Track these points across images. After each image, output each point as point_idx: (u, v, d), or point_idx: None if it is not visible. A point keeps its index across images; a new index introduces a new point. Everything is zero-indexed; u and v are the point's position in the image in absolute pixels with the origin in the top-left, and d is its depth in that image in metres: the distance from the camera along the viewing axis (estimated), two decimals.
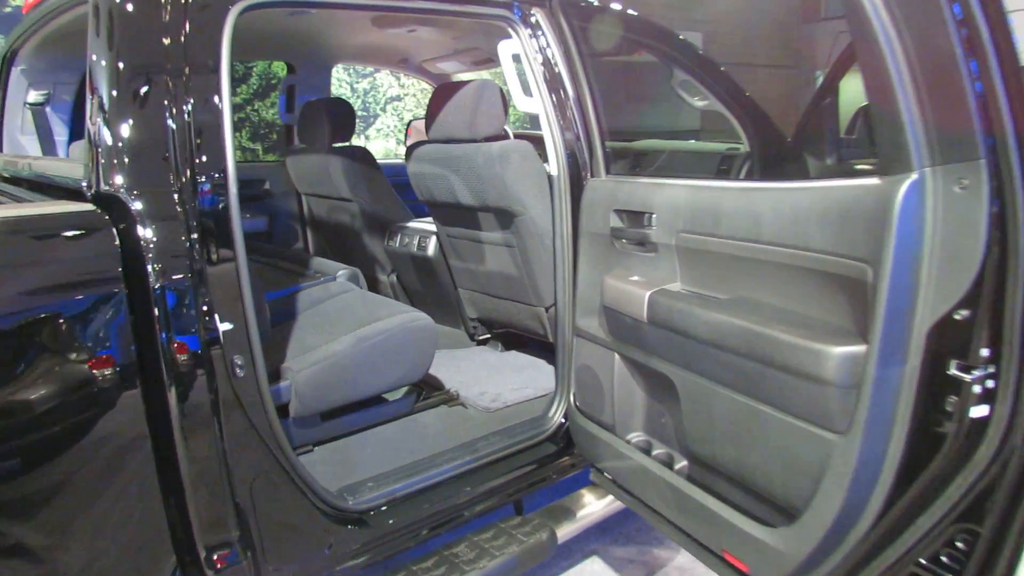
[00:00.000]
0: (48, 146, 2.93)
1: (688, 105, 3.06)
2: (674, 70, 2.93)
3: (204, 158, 1.61)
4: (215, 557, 1.62)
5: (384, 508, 1.99)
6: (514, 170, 2.41)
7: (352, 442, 2.23)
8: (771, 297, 1.60)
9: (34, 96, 2.84)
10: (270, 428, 1.75)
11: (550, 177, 2.28)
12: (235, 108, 9.20)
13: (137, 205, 1.49)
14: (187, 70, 1.60)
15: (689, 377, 1.77)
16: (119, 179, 1.50)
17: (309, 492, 1.84)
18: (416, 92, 11.91)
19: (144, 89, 1.55)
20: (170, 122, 1.56)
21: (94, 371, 1.41)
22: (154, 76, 1.56)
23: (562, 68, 2.23)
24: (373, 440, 2.25)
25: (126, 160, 1.51)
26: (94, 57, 1.56)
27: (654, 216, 1.89)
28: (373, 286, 3.59)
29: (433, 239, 3.01)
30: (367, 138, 12.30)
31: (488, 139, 2.50)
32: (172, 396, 1.50)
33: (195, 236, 1.56)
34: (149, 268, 1.47)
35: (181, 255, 1.53)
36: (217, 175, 1.62)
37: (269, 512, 1.75)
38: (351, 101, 12.33)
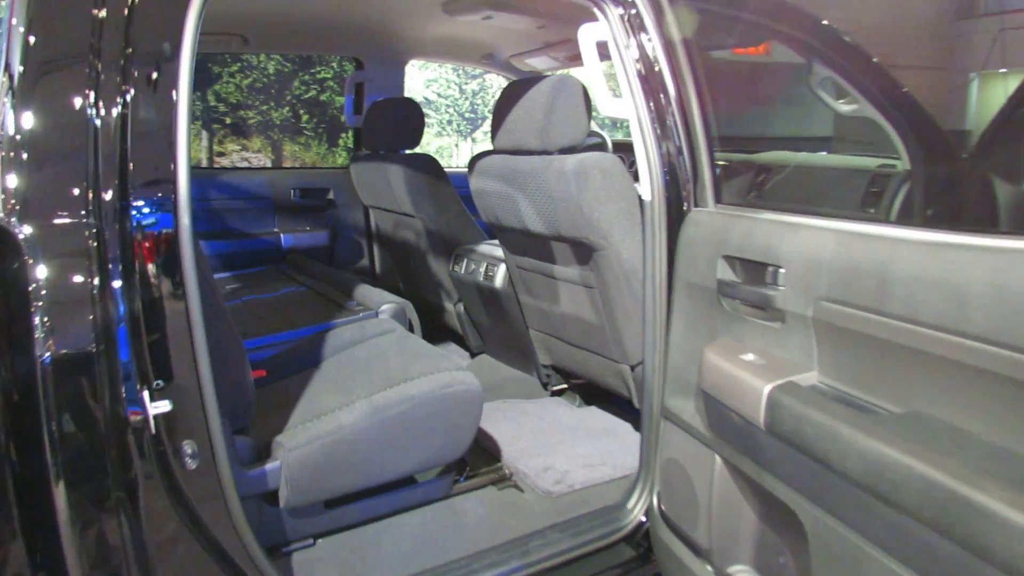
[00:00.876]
0: None
1: (829, 110, 2.41)
2: (814, 65, 2.29)
3: (141, 172, 1.18)
4: None
5: None
6: (593, 191, 1.86)
7: (367, 534, 1.75)
8: (984, 427, 0.98)
9: None
10: (231, 534, 1.30)
11: (642, 202, 1.72)
12: (311, 103, 9.03)
13: (29, 234, 1.07)
14: (128, 53, 1.17)
15: (826, 522, 1.16)
16: (10, 199, 1.08)
17: None
18: None
19: (59, 76, 1.13)
20: (93, 123, 1.13)
21: None
22: (75, 59, 1.14)
23: (662, 62, 1.67)
24: (394, 532, 1.76)
25: (21, 173, 1.09)
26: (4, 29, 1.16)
27: (782, 271, 1.29)
28: (437, 315, 3.13)
29: (502, 268, 2.51)
30: (474, 140, 12.00)
31: (565, 151, 1.97)
32: (59, 495, 1.07)
33: (117, 280, 1.13)
34: (36, 325, 1.05)
35: (87, 307, 1.09)
36: (158, 195, 1.19)
37: None
38: (459, 103, 12.09)
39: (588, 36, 1.72)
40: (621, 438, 2.32)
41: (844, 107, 2.35)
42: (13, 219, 1.07)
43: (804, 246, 1.25)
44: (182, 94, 1.22)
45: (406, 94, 3.34)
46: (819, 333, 1.23)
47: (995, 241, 0.98)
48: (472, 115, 11.50)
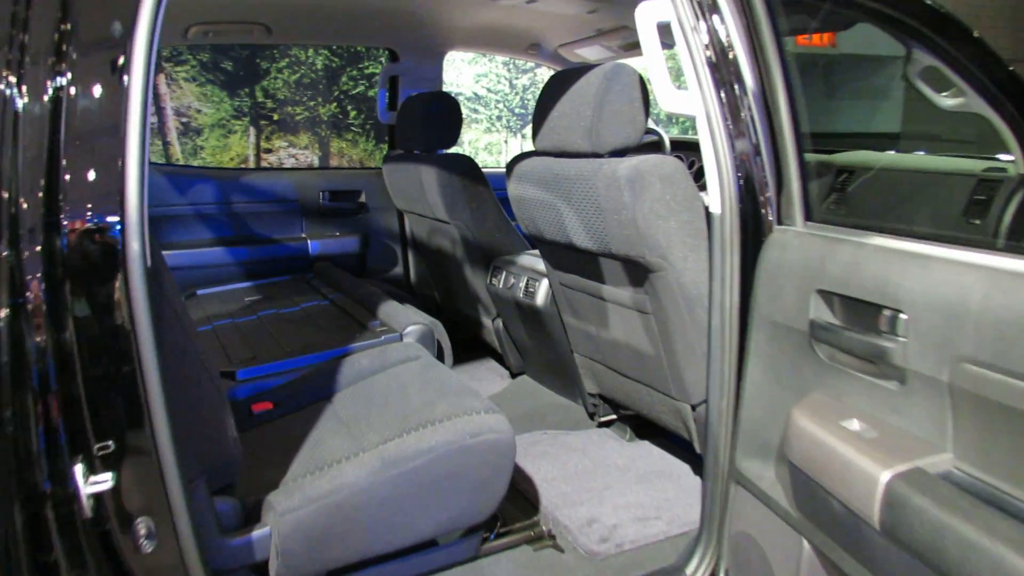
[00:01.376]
0: None
1: (929, 104, 2.06)
2: (913, 52, 1.94)
3: (76, 183, 0.93)
4: None
5: None
6: (651, 202, 1.55)
7: None
8: None
9: None
10: None
11: (710, 215, 1.42)
12: (358, 99, 8.86)
13: None
14: (65, 29, 0.94)
15: None
16: None
17: None
18: None
19: None
20: (11, 117, 0.90)
21: None
22: None
23: (739, 47, 1.36)
24: None
25: None
26: None
27: (904, 318, 0.98)
28: (475, 330, 2.87)
29: (544, 284, 2.22)
30: (524, 137, 11.67)
31: (617, 153, 1.67)
32: None
33: (39, 323, 0.89)
34: None
35: None
36: (99, 212, 0.95)
37: None
38: (510, 99, 11.79)
39: (647, 17, 1.43)
40: (678, 481, 2.01)
41: (947, 100, 2.00)
42: None
43: (938, 287, 0.93)
44: (135, 85, 0.97)
45: (455, 90, 3.08)
46: (958, 404, 0.92)
47: None
48: (523, 111, 11.21)
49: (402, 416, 1.54)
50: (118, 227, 0.96)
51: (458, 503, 1.45)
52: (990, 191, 2.13)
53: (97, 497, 0.94)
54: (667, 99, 1.43)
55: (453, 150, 2.68)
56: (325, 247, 2.96)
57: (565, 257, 1.98)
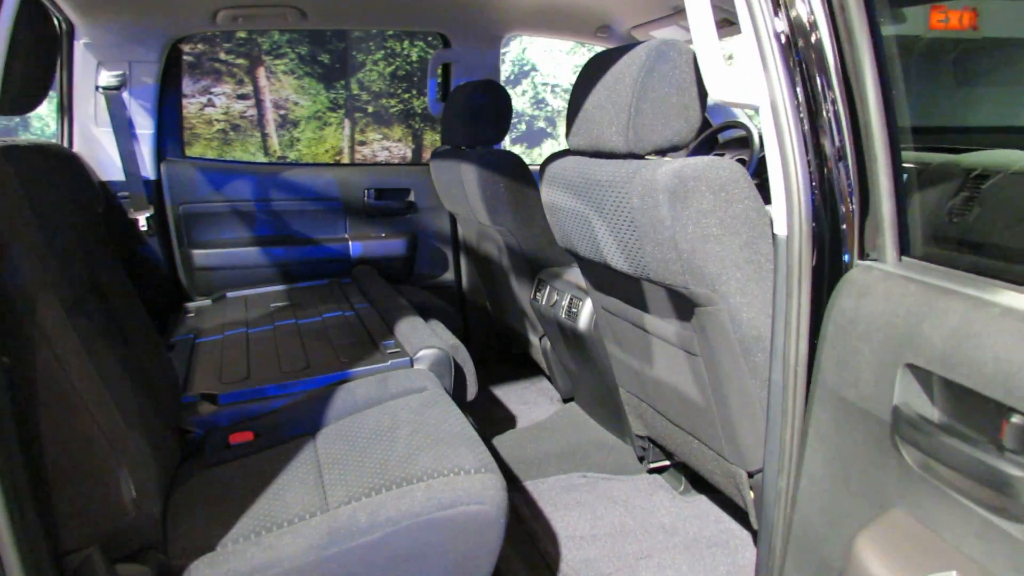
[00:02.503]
0: (126, 141, 2.34)
1: None
2: None
3: None
4: None
5: None
6: (696, 217, 1.21)
7: None
8: None
9: (107, 78, 2.25)
10: None
11: (776, 239, 1.06)
12: (384, 94, 8.71)
13: None
14: None
15: None
16: None
17: None
18: None
19: None
20: None
21: None
22: None
23: (823, 26, 0.99)
24: None
25: None
26: None
27: None
28: (524, 347, 2.57)
29: (588, 305, 1.90)
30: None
31: (663, 152, 1.34)
32: None
33: None
34: None
35: None
36: None
37: None
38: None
39: None
40: (734, 555, 1.65)
41: None
42: None
43: None
44: None
45: (553, 81, 2.79)
46: None
47: None
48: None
49: (380, 465, 1.28)
50: None
51: None
52: None
53: None
54: (718, 83, 1.09)
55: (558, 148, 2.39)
56: (368, 249, 2.74)
57: (605, 277, 1.65)
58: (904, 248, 0.91)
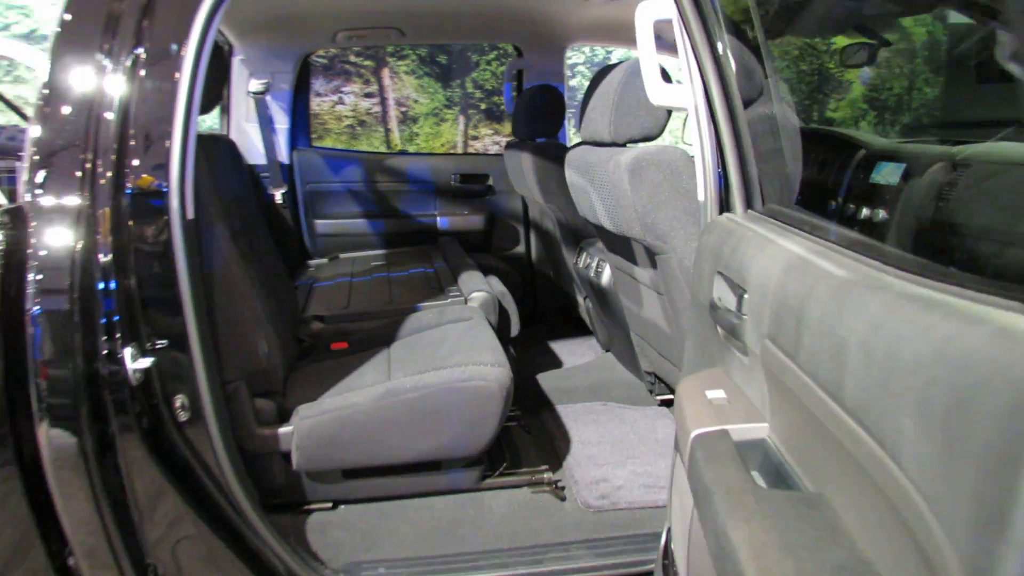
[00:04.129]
0: (268, 134, 3.05)
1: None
2: (997, 32, 1.83)
3: (136, 158, 1.33)
4: None
5: None
6: (649, 190, 1.69)
7: (388, 509, 1.81)
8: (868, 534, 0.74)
9: (255, 85, 2.96)
10: (217, 481, 1.44)
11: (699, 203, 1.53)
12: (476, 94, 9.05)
13: (35, 211, 1.28)
14: (136, 51, 1.33)
15: None
16: (29, 183, 1.30)
17: (272, 563, 1.50)
18: (791, 76, 10.45)
19: (75, 74, 1.32)
20: (97, 113, 1.31)
21: None
22: (90, 55, 1.32)
23: (709, 63, 1.46)
24: (415, 513, 1.80)
25: (37, 162, 1.30)
26: None
27: (746, 297, 1.08)
28: (574, 308, 3.08)
29: (608, 265, 2.39)
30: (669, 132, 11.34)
31: (635, 142, 1.82)
32: (43, 435, 1.27)
33: (105, 250, 1.29)
34: (29, 283, 1.25)
35: (72, 272, 1.27)
36: (151, 179, 1.34)
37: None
38: None
39: (646, 14, 1.57)
40: None
41: None
42: (27, 197, 1.29)
43: (762, 268, 1.03)
44: (182, 89, 1.35)
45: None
46: (767, 377, 1.01)
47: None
48: None
49: (427, 361, 1.84)
50: (164, 189, 1.35)
51: (448, 434, 1.72)
52: None
53: (142, 372, 1.34)
54: (656, 93, 1.56)
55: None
56: (453, 223, 3.34)
57: (609, 239, 2.14)
58: (749, 203, 1.36)
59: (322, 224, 3.21)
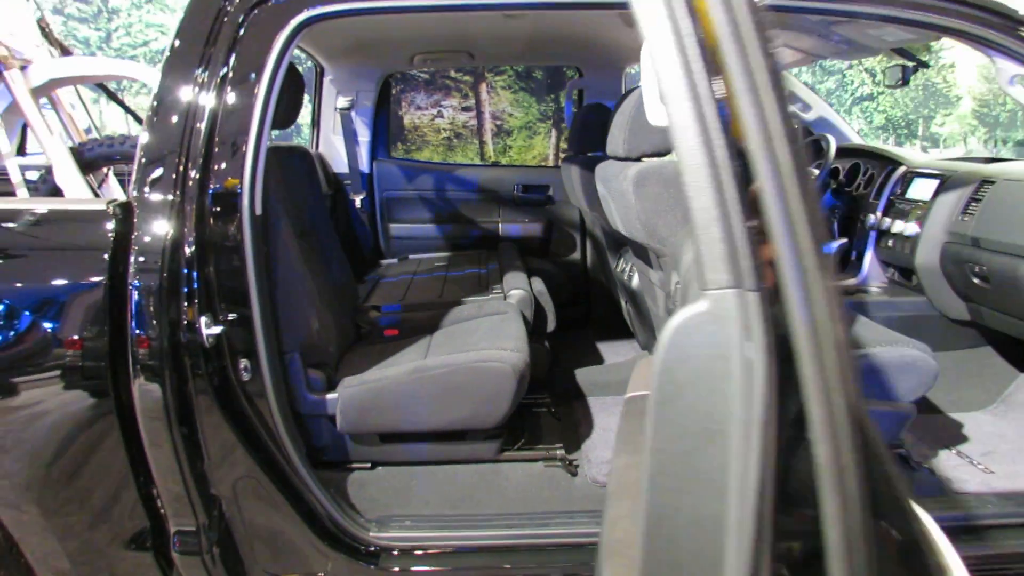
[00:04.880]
0: (351, 145, 3.43)
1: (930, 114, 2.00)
2: (996, 61, 1.93)
3: (217, 164, 1.66)
4: (179, 541, 1.72)
5: (411, 553, 1.84)
6: (651, 200, 1.89)
7: (418, 472, 2.09)
8: None
9: (341, 102, 3.34)
10: (272, 433, 1.75)
11: None
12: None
13: (139, 205, 1.62)
14: (223, 73, 1.67)
15: None
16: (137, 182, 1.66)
17: (315, 507, 1.80)
18: (895, 90, 10.22)
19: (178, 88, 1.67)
20: (188, 127, 1.65)
21: (76, 354, 1.60)
22: (188, 79, 1.67)
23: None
24: (441, 477, 2.08)
25: (143, 166, 1.66)
26: None
27: None
28: (620, 313, 3.28)
29: (637, 270, 2.59)
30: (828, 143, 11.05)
31: (648, 156, 2.03)
32: (136, 388, 1.60)
33: (191, 240, 1.63)
34: (132, 263, 1.59)
35: (165, 256, 1.60)
36: (229, 181, 1.66)
37: (255, 514, 1.77)
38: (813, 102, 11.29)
39: (648, 52, 1.80)
40: None
41: None
42: (135, 194, 1.66)
43: None
44: (257, 106, 1.68)
45: None
46: None
47: None
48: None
49: (460, 345, 2.11)
50: (239, 190, 1.68)
51: (468, 408, 1.99)
52: None
53: (215, 337, 1.67)
54: (654, 114, 1.78)
55: None
56: (513, 230, 3.61)
57: (634, 245, 2.35)
58: None
59: (396, 228, 3.56)
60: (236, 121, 1.68)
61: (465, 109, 10.39)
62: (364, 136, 3.47)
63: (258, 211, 1.71)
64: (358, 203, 3.47)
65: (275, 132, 1.97)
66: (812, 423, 0.58)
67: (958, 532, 1.90)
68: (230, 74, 1.69)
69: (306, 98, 2.97)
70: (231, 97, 1.68)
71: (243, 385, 1.72)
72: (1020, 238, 2.16)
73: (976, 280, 2.36)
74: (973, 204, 2.42)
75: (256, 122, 1.68)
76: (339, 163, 3.45)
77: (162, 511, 1.71)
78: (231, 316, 1.69)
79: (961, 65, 11.03)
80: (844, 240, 3.00)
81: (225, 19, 1.71)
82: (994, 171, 2.45)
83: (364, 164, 3.51)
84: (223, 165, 1.67)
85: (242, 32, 1.71)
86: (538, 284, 2.82)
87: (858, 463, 0.60)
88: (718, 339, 0.68)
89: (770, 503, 0.60)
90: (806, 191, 0.63)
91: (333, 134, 3.42)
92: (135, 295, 1.58)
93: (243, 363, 1.71)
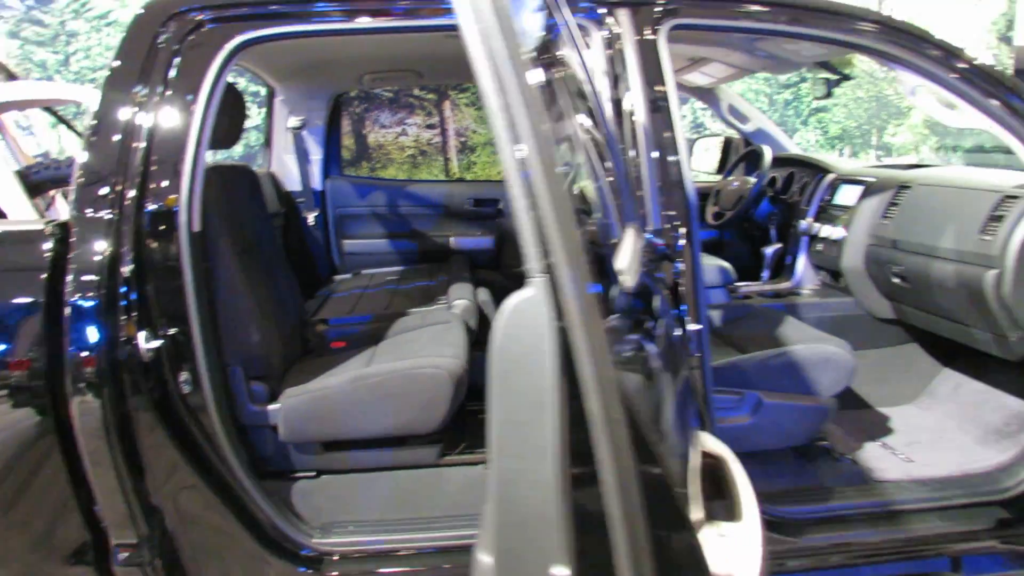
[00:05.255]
0: (303, 164, 3.49)
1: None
2: (899, 74, 2.06)
3: (153, 183, 1.71)
4: (120, 555, 1.75)
5: (353, 557, 1.89)
6: None
7: (363, 478, 2.15)
8: None
9: (292, 121, 3.40)
10: (214, 445, 1.79)
11: None
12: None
13: (76, 224, 1.67)
14: (156, 98, 1.73)
15: None
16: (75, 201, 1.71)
17: (258, 516, 1.84)
18: (848, 101, 10.55)
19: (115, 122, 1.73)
20: (126, 150, 1.71)
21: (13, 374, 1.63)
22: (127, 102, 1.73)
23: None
24: (385, 483, 2.13)
25: (80, 186, 1.71)
26: None
27: None
28: None
29: None
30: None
31: None
32: (75, 406, 1.62)
33: (128, 258, 1.67)
34: (67, 279, 1.62)
35: (101, 272, 1.64)
36: (165, 199, 1.71)
37: (197, 526, 1.81)
38: (770, 115, 11.58)
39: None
40: None
41: (953, 118, 2.08)
42: (74, 213, 1.70)
43: None
44: (193, 127, 1.74)
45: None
46: None
47: None
48: (782, 127, 10.92)
49: (402, 354, 2.18)
50: (176, 207, 1.74)
51: (406, 414, 2.05)
52: (1008, 208, 2.12)
53: (153, 352, 1.71)
54: None
55: None
56: (465, 244, 3.69)
57: None
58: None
59: (349, 244, 3.62)
60: (173, 141, 1.74)
61: (429, 127, 10.46)
62: (316, 155, 3.53)
63: (196, 228, 1.77)
64: (311, 220, 3.52)
65: (239, 151, 2.03)
66: (584, 383, 0.68)
67: (877, 518, 2.01)
68: (167, 95, 1.75)
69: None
70: (168, 118, 1.74)
71: (183, 398, 1.77)
72: (931, 239, 2.29)
73: (896, 280, 2.48)
74: (892, 208, 2.55)
75: (193, 142, 1.74)
76: (292, 182, 3.51)
77: (103, 525, 1.74)
78: (170, 331, 1.74)
79: None
80: (779, 245, 3.12)
81: (162, 43, 1.78)
82: (910, 176, 2.59)
83: (317, 182, 3.57)
84: (160, 184, 1.72)
85: (179, 55, 1.77)
86: (483, 294, 2.90)
87: (625, 416, 0.68)
88: (539, 320, 0.77)
89: (567, 460, 0.69)
90: (557, 196, 0.74)
91: (286, 153, 3.47)
92: (72, 314, 1.62)
93: (183, 376, 1.76)
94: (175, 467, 1.76)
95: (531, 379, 0.77)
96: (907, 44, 1.97)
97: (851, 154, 9.75)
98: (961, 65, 1.95)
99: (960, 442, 2.36)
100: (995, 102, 1.94)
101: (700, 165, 3.94)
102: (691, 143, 4.16)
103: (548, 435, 0.73)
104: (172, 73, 1.76)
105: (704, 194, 3.55)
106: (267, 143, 3.51)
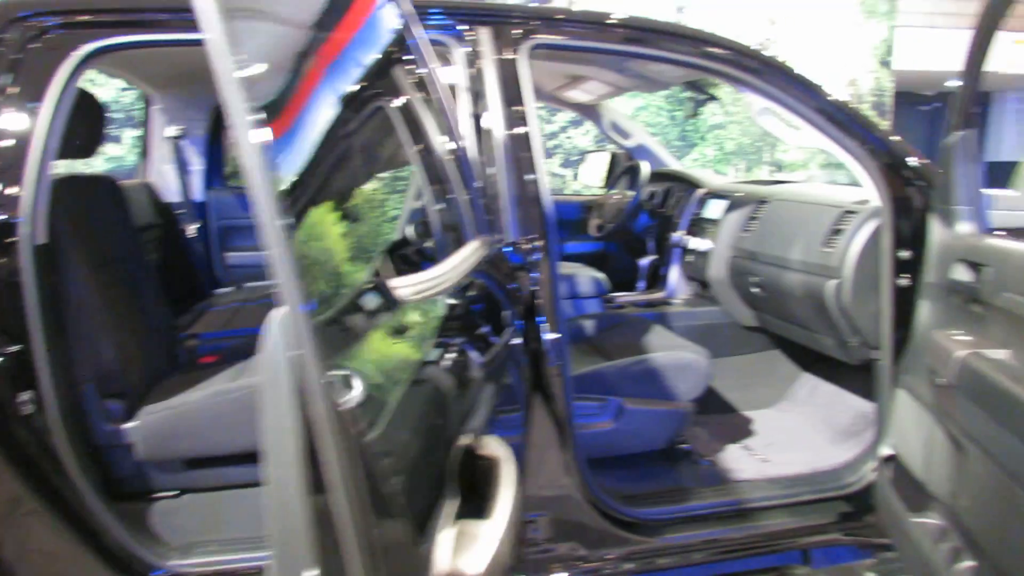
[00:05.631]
0: (183, 174, 3.39)
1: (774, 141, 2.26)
2: (745, 96, 2.20)
3: None
4: None
5: None
6: None
7: (230, 497, 2.09)
8: None
9: (171, 131, 3.30)
10: (59, 467, 1.71)
11: None
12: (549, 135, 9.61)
13: None
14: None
15: None
16: None
17: (107, 541, 1.77)
18: (744, 119, 11.08)
19: None
20: None
21: None
22: None
23: None
24: (251, 500, 2.08)
25: None
26: None
27: None
28: None
29: None
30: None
31: None
32: None
33: None
34: None
35: None
36: (6, 209, 1.64)
37: (42, 552, 1.73)
38: (670, 130, 12.04)
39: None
40: None
41: (796, 137, 2.21)
42: None
43: None
44: (38, 135, 1.66)
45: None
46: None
47: None
48: (681, 143, 11.37)
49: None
50: (19, 219, 1.66)
51: None
52: (847, 224, 2.28)
53: None
54: None
55: None
56: None
57: None
58: None
59: (231, 256, 3.53)
60: (17, 151, 1.67)
61: None
62: (197, 165, 3.43)
63: (40, 240, 1.70)
64: (192, 232, 3.42)
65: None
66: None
67: (733, 516, 2.12)
68: (10, 104, 1.68)
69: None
70: (11, 127, 1.67)
71: (25, 420, 1.69)
72: (783, 251, 2.45)
73: (755, 290, 2.64)
74: (752, 222, 2.71)
75: (39, 152, 1.67)
76: (172, 193, 3.40)
77: None
78: (10, 349, 1.66)
79: None
80: (655, 257, 3.26)
81: (2, 49, 1.71)
82: (768, 192, 2.76)
83: (198, 194, 3.47)
84: (2, 194, 1.65)
85: (21, 63, 1.71)
86: None
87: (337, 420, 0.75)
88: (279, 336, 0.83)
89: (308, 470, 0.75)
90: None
91: (164, 163, 3.36)
92: None
93: (24, 396, 1.68)
94: (16, 492, 1.68)
95: (276, 392, 0.81)
96: (754, 68, 2.10)
97: (746, 169, 10.24)
98: (802, 89, 2.10)
99: (813, 442, 2.52)
100: (831, 124, 2.10)
101: (588, 179, 4.06)
102: (581, 157, 4.29)
103: (291, 446, 0.77)
104: (14, 81, 1.69)
105: (588, 207, 3.66)
106: (143, 152, 3.39)
